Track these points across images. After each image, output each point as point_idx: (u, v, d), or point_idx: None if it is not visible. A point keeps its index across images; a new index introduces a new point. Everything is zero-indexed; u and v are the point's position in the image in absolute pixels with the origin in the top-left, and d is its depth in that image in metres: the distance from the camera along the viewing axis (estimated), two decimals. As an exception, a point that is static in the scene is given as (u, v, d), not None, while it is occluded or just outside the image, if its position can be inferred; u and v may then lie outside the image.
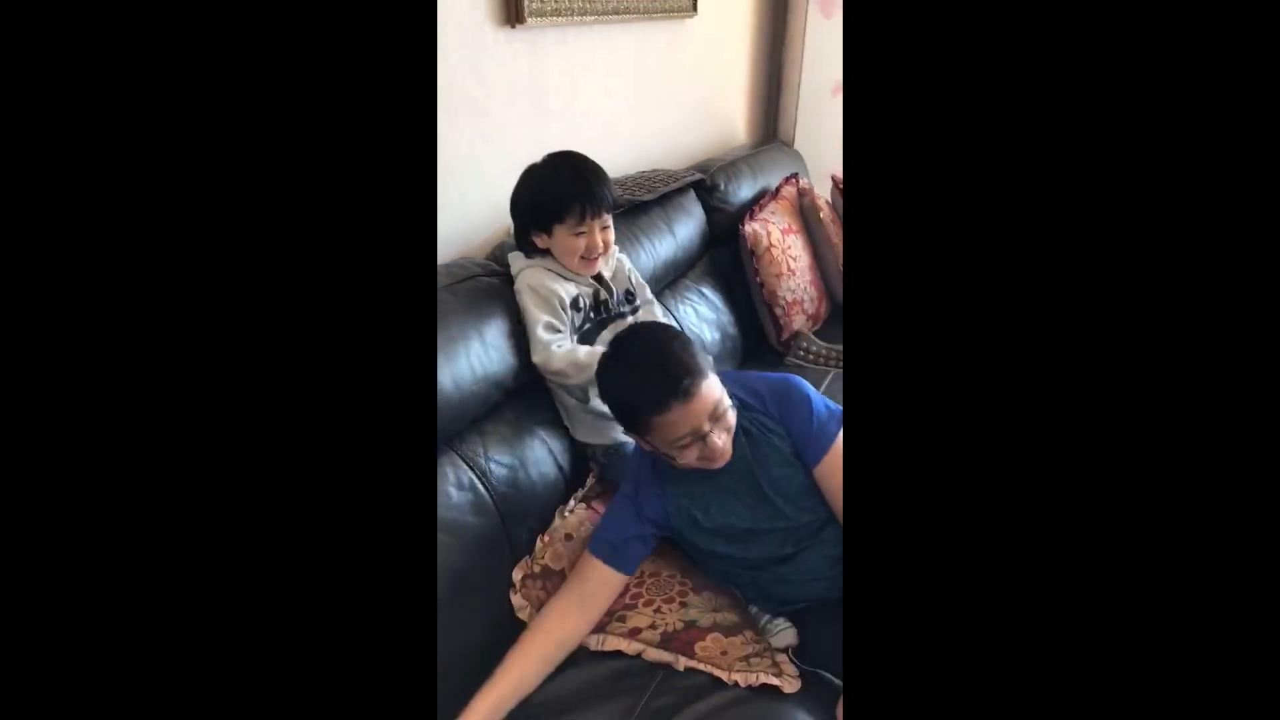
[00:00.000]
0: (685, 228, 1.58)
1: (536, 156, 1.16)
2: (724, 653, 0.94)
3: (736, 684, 0.89)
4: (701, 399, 0.87)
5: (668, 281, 1.54)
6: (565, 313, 1.12)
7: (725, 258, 1.77)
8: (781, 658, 0.95)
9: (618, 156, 1.67)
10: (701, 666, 0.92)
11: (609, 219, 1.14)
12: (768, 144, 2.20)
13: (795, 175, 2.00)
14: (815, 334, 1.80)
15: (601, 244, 1.13)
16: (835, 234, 1.91)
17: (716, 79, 2.10)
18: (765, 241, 1.71)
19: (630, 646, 0.95)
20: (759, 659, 0.93)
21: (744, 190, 1.83)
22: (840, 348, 1.74)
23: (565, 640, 0.93)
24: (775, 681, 0.90)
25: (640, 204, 1.47)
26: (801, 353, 1.74)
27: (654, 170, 1.70)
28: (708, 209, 1.74)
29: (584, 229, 1.10)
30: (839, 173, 2.07)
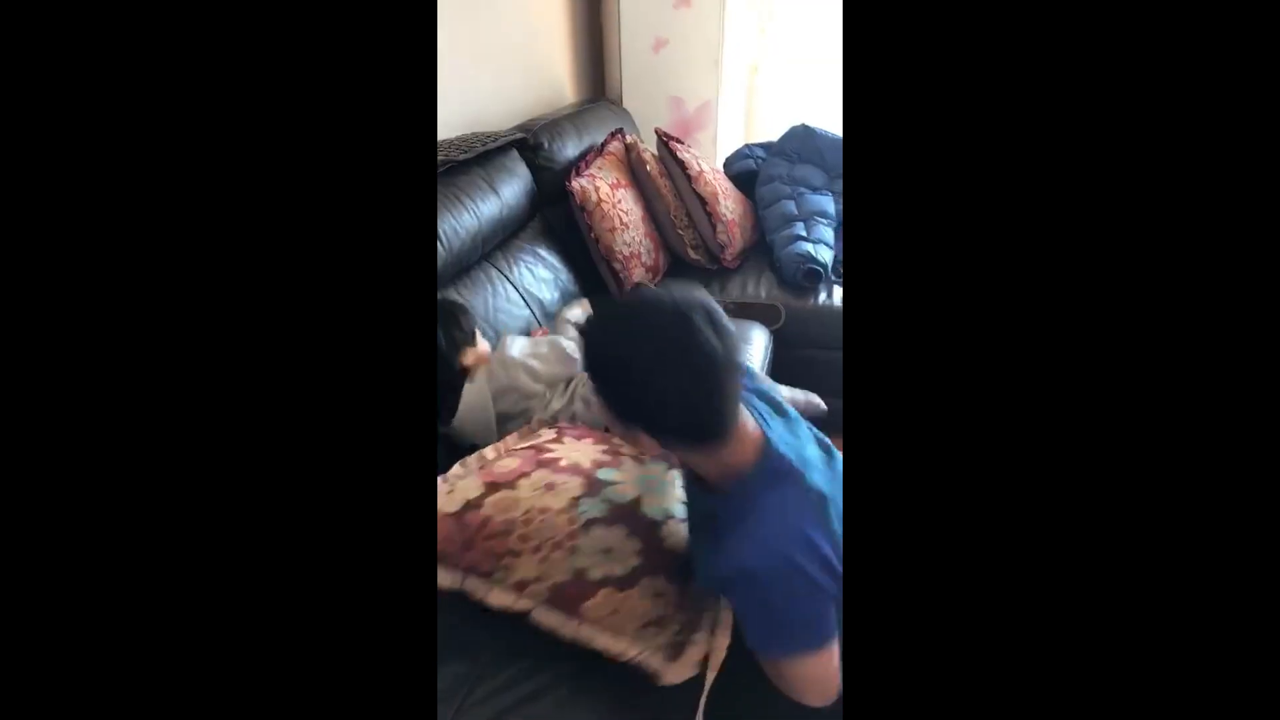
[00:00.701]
0: (510, 187, 1.56)
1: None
2: (614, 611, 0.82)
3: (627, 658, 0.80)
4: None
5: (497, 242, 1.52)
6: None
7: (558, 217, 1.77)
8: (698, 638, 0.82)
9: (440, 121, 1.61)
10: (586, 635, 0.82)
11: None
12: (594, 102, 2.21)
13: (621, 130, 2.02)
14: (656, 286, 1.84)
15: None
16: (665, 187, 1.95)
17: (537, 39, 2.07)
18: (595, 197, 1.72)
19: (518, 603, 0.84)
20: (656, 628, 0.82)
21: (569, 148, 1.83)
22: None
23: None
24: (654, 664, 0.79)
25: (458, 164, 1.43)
26: (643, 303, 1.78)
27: (473, 133, 1.66)
28: (534, 168, 1.72)
29: None
30: (663, 126, 2.11)
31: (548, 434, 1.07)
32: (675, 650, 0.81)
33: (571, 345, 1.21)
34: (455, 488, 0.95)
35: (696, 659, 0.81)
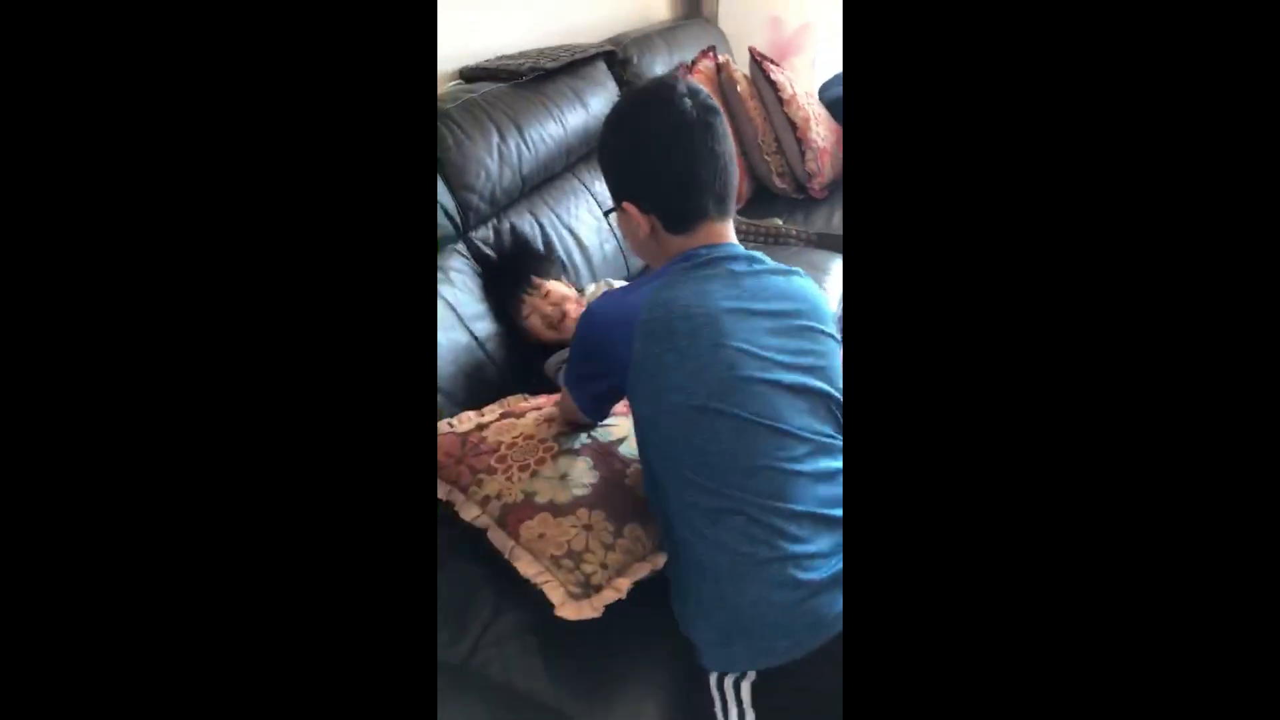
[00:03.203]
0: (598, 100, 1.54)
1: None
2: (541, 536, 0.82)
3: (530, 580, 0.80)
4: None
5: (582, 154, 1.51)
6: None
7: (643, 135, 1.74)
8: (620, 585, 0.79)
9: (528, 29, 1.60)
10: (515, 556, 0.82)
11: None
12: (688, 19, 2.13)
13: (713, 48, 1.95)
14: (740, 213, 1.80)
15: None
16: (755, 110, 1.88)
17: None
18: (682, 115, 1.68)
19: (479, 519, 0.87)
20: (572, 561, 0.79)
21: (658, 65, 1.79)
22: (762, 222, 1.75)
23: None
24: (553, 596, 0.77)
25: (546, 73, 1.42)
26: (723, 228, 1.75)
27: (561, 45, 1.64)
28: (621, 83, 1.69)
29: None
30: (759, 48, 2.02)
31: None
32: (584, 589, 0.79)
33: None
34: (484, 414, 1.00)
35: (603, 604, 0.78)
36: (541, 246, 1.33)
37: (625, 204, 0.80)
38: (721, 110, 0.79)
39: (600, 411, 0.88)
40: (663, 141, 0.76)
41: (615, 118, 0.81)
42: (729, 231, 0.81)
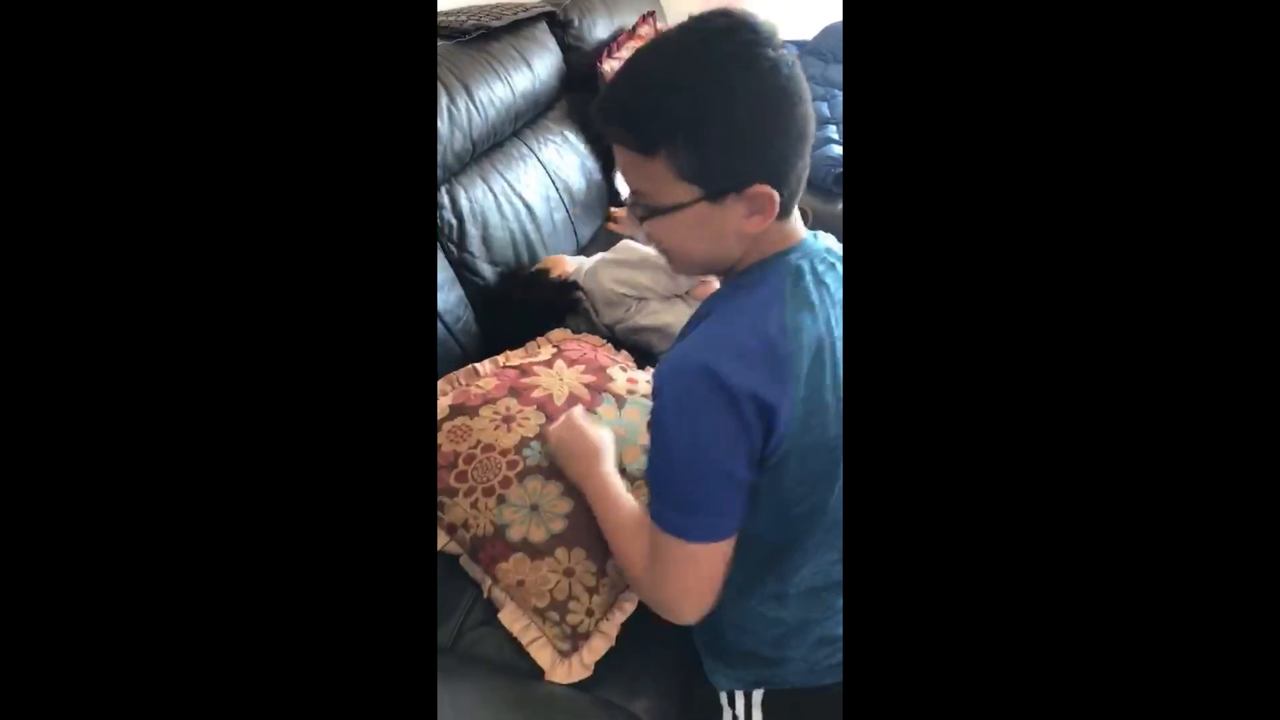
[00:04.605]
0: (542, 62, 1.48)
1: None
2: (521, 582, 0.76)
3: (521, 641, 0.75)
4: None
5: (528, 119, 1.46)
6: None
7: (586, 103, 1.69)
8: (606, 630, 0.76)
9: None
10: (496, 599, 0.79)
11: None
12: (622, -16, 2.08)
13: (652, 13, 1.92)
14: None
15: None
16: (695, 78, 1.87)
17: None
18: (626, 81, 1.65)
19: (447, 546, 0.83)
20: (558, 613, 0.75)
21: (600, 29, 1.73)
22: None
23: None
24: (542, 659, 0.74)
25: (490, 32, 1.35)
26: (668, 199, 1.74)
27: (500, 3, 1.56)
28: (564, 47, 1.63)
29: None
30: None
31: (547, 351, 1.03)
32: (573, 641, 0.75)
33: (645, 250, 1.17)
34: None
35: (593, 658, 0.74)
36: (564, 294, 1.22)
37: (759, 187, 0.55)
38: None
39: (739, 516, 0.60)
40: (787, 94, 0.54)
41: (710, 63, 0.54)
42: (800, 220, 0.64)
